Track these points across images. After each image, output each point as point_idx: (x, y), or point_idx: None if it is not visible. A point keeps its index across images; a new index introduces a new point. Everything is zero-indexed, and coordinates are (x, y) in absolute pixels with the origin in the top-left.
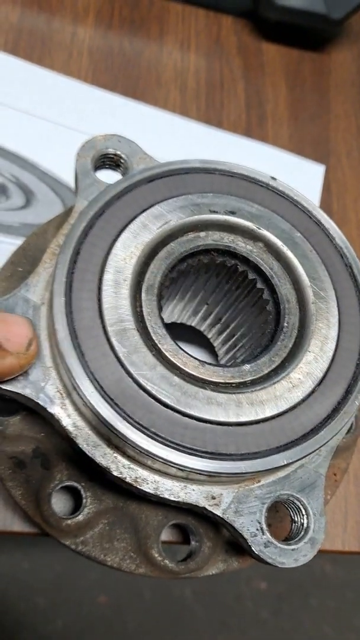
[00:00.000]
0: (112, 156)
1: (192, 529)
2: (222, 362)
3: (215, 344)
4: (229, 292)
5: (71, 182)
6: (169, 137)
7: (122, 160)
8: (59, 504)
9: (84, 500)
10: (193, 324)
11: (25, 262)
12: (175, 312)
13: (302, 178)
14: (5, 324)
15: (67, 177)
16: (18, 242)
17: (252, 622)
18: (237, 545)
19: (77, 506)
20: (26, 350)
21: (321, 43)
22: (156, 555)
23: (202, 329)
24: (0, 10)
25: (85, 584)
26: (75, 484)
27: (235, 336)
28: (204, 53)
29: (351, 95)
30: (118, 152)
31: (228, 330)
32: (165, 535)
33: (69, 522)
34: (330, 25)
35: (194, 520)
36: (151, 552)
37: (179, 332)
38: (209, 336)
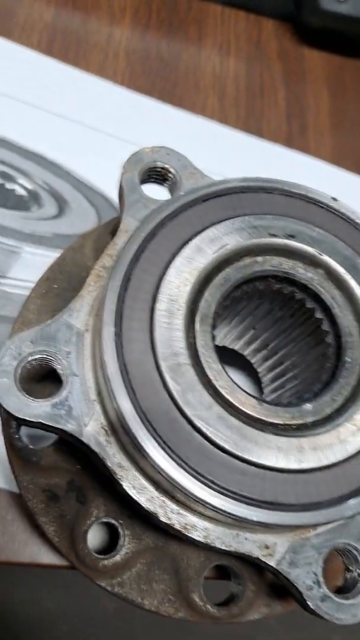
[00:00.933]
0: (159, 170)
1: (235, 571)
2: (267, 389)
3: (259, 370)
4: (282, 319)
5: (106, 191)
6: (211, 145)
7: (170, 175)
8: (93, 538)
9: (122, 539)
10: (236, 348)
11: (61, 279)
12: (218, 335)
13: (353, 196)
14: None
15: (102, 185)
16: (51, 254)
17: (260, 629)
18: (280, 588)
19: (112, 541)
20: None
21: None
22: (197, 599)
23: (245, 353)
24: (34, 8)
25: (93, 589)
26: (113, 521)
27: (284, 364)
28: (243, 57)
29: None
30: (166, 166)
31: (276, 358)
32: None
33: (105, 562)
34: None
35: (237, 563)
36: (192, 595)
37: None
38: (253, 361)
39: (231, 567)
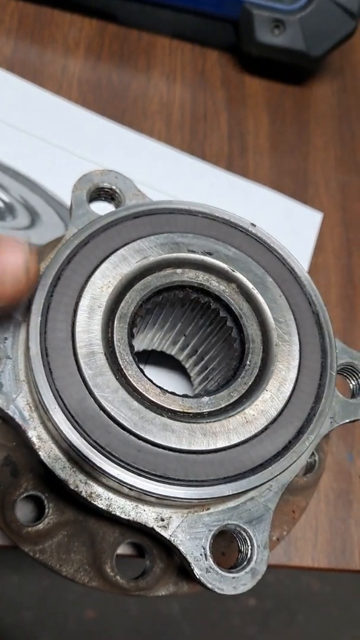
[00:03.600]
0: (107, 190)
1: (146, 548)
2: (196, 391)
3: (191, 374)
4: (204, 326)
5: None
6: (174, 172)
7: (116, 194)
8: (23, 511)
9: (46, 510)
10: (172, 353)
11: None
12: (155, 340)
13: (294, 221)
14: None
15: None
16: None
17: (239, 637)
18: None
19: (40, 516)
20: (25, 276)
21: (302, 77)
22: (109, 570)
23: (180, 358)
24: None
25: (72, 598)
26: (40, 494)
27: (208, 369)
28: (189, 85)
29: (330, 128)
30: (113, 187)
31: (202, 363)
32: (124, 549)
33: (29, 529)
34: (310, 61)
35: (149, 541)
36: (104, 567)
37: (162, 359)
38: (186, 366)
39: (143, 544)
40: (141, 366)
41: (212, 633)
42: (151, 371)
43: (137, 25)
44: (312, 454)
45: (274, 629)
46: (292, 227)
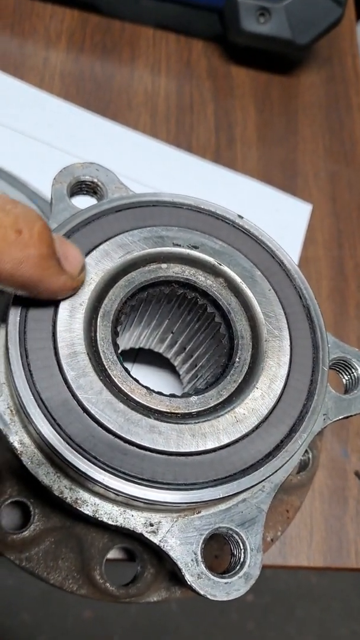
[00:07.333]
0: (89, 183)
1: (137, 553)
2: (185, 390)
3: (180, 372)
4: (191, 322)
5: None
6: (160, 165)
7: (98, 188)
8: (8, 518)
9: (32, 517)
10: (160, 351)
11: None
12: (142, 337)
13: (283, 214)
14: (64, 245)
15: None
16: None
17: (237, 633)
18: None
19: (25, 522)
20: (78, 274)
21: (289, 66)
22: (98, 577)
23: (168, 356)
24: None
25: (71, 599)
26: (25, 500)
27: (197, 366)
28: (174, 76)
29: (319, 118)
30: (95, 180)
31: (191, 360)
32: (114, 553)
33: (14, 537)
34: (297, 50)
35: (139, 546)
36: (93, 573)
37: (151, 358)
38: (175, 364)
39: (133, 549)
40: (129, 365)
41: (210, 630)
42: (140, 370)
43: (120, 16)
44: (306, 451)
45: (272, 624)
46: (281, 219)
